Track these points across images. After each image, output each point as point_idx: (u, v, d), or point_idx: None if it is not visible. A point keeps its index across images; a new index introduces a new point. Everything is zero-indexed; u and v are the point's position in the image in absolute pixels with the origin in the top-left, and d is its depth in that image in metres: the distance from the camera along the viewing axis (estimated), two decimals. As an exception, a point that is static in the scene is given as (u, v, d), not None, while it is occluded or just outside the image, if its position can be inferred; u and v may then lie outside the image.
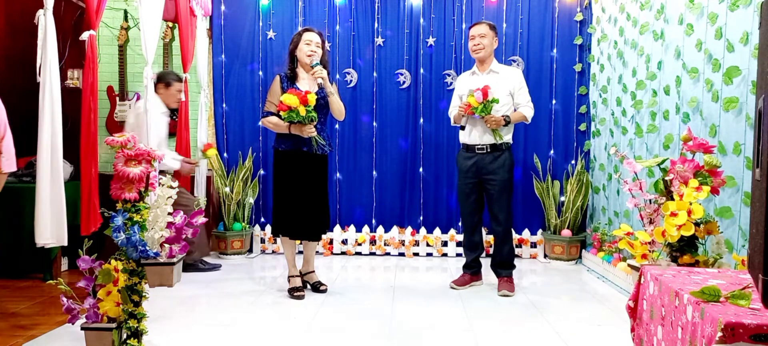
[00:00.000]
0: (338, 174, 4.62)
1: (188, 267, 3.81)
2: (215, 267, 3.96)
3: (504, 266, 3.41)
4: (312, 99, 3.01)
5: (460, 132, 3.44)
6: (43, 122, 2.43)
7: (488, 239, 4.26)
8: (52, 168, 2.46)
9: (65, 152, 3.92)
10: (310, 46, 3.17)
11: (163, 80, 3.71)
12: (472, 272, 3.51)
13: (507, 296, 3.27)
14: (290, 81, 3.22)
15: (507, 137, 3.34)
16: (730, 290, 1.30)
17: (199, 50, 4.16)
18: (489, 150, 3.32)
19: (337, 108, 3.24)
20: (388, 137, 4.60)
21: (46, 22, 2.43)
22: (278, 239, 4.49)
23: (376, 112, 4.59)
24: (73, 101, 4.19)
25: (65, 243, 2.51)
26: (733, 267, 2.16)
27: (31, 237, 3.52)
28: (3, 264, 3.61)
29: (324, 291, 3.32)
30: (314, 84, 3.19)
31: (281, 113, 3.04)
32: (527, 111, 3.36)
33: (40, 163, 2.44)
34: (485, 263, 3.60)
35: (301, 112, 2.98)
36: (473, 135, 3.35)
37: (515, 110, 3.35)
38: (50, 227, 2.46)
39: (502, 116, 3.24)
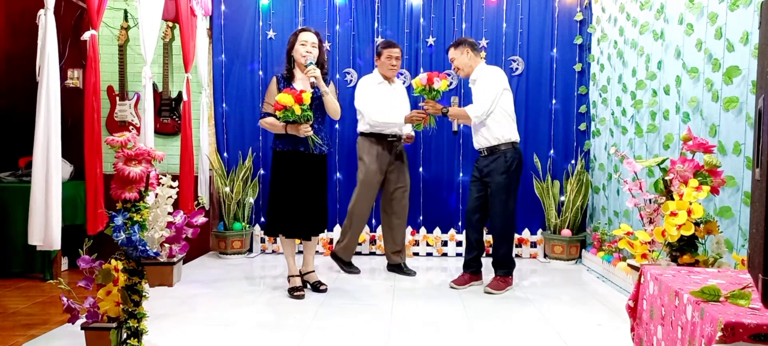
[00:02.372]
0: (338, 174, 4.63)
1: (393, 268, 3.92)
2: (411, 272, 3.87)
3: (496, 265, 3.44)
4: (307, 98, 3.00)
5: None
6: (40, 122, 2.41)
7: (488, 239, 4.26)
8: (46, 169, 2.44)
9: (65, 152, 3.93)
10: (305, 47, 3.17)
11: (376, 52, 3.90)
12: (471, 272, 3.51)
13: (489, 293, 3.30)
14: (287, 82, 3.22)
15: (498, 135, 3.32)
16: (729, 290, 1.30)
17: (199, 50, 4.16)
18: (486, 153, 3.38)
19: (332, 107, 3.24)
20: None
21: (46, 22, 2.43)
22: (278, 239, 4.49)
23: (376, 112, 4.59)
24: (73, 101, 4.20)
25: (58, 247, 2.49)
26: (733, 267, 2.16)
27: (32, 237, 3.55)
28: (3, 264, 3.61)
29: (324, 291, 3.32)
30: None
31: (277, 113, 3.04)
32: (470, 109, 3.32)
33: (35, 165, 2.42)
34: (486, 262, 3.60)
35: (296, 111, 2.98)
36: (475, 139, 3.44)
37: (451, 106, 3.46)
38: (43, 228, 2.43)
39: (442, 107, 3.39)
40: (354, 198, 3.85)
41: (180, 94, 4.29)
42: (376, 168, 3.74)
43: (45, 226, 2.43)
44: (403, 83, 4.55)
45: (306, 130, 3.09)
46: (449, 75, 4.55)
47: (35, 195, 2.41)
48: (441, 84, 3.34)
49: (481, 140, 3.39)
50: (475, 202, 3.46)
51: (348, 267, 3.89)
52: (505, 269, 3.41)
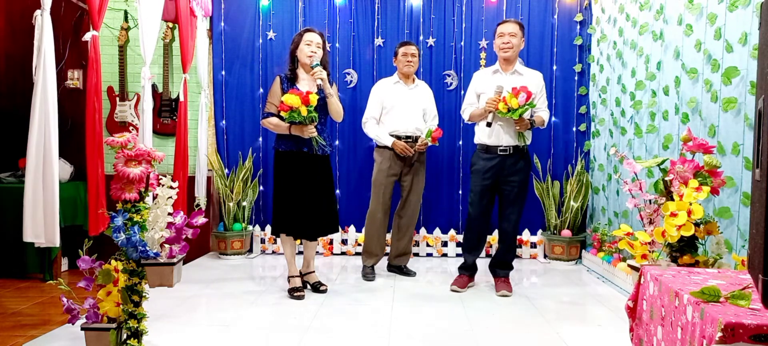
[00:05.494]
0: (339, 174, 4.62)
1: (393, 269, 3.90)
2: (411, 273, 3.88)
3: (505, 266, 3.41)
4: (314, 99, 3.01)
5: (477, 132, 3.37)
6: (34, 122, 2.40)
7: (488, 239, 4.27)
8: (44, 168, 2.43)
9: (66, 153, 3.95)
10: (310, 47, 3.17)
11: (393, 53, 3.88)
12: (470, 274, 3.51)
13: (506, 296, 3.27)
14: (290, 82, 3.22)
15: (528, 140, 3.33)
16: (729, 291, 1.30)
17: (199, 51, 4.16)
18: (512, 152, 3.26)
19: (336, 109, 3.24)
20: (388, 138, 4.60)
21: (43, 22, 2.43)
22: (278, 239, 4.49)
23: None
24: (73, 102, 4.21)
25: (57, 244, 2.49)
26: (732, 267, 2.16)
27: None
28: (3, 264, 3.61)
29: (324, 291, 3.32)
30: (314, 85, 3.19)
31: (282, 114, 3.04)
32: (545, 115, 3.35)
33: (28, 163, 2.41)
34: (481, 263, 3.60)
35: (302, 113, 2.99)
36: (498, 136, 3.26)
37: (532, 115, 3.29)
38: (41, 226, 2.43)
39: (529, 120, 3.20)
40: (370, 200, 3.84)
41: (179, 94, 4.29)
42: (387, 169, 3.71)
43: (44, 223, 2.44)
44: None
45: (310, 132, 3.10)
46: (449, 75, 4.56)
47: (28, 193, 2.41)
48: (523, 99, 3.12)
49: (509, 139, 3.24)
50: (487, 206, 3.36)
51: (363, 271, 3.77)
52: (510, 268, 3.43)
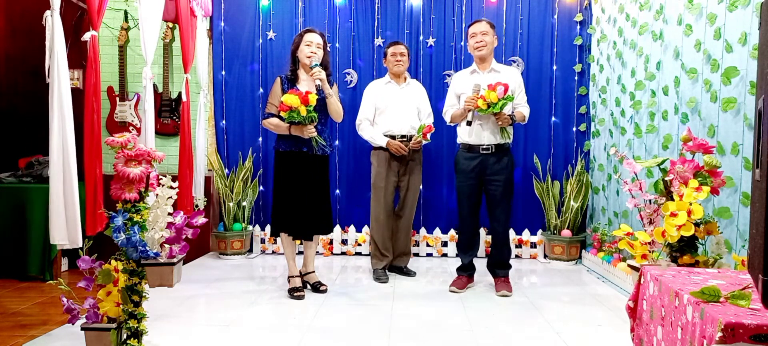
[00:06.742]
0: (338, 174, 4.63)
1: (393, 269, 3.91)
2: (410, 273, 3.88)
3: (502, 266, 3.41)
4: (313, 99, 3.02)
5: (459, 132, 3.41)
6: (53, 124, 2.44)
7: (487, 239, 4.27)
8: (64, 169, 2.47)
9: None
10: (310, 47, 3.18)
11: (383, 54, 3.91)
12: (468, 274, 3.51)
13: (506, 296, 3.27)
14: (291, 82, 3.23)
15: (511, 135, 3.35)
16: (730, 291, 1.30)
17: (199, 51, 4.16)
18: (493, 150, 3.29)
19: (335, 109, 3.25)
20: (388, 137, 4.60)
21: (53, 23, 2.44)
22: (278, 239, 4.49)
23: (376, 113, 4.59)
24: (73, 102, 4.20)
25: (80, 245, 2.51)
26: (732, 267, 2.16)
27: (31, 237, 3.55)
28: (3, 264, 3.61)
29: (324, 291, 3.32)
30: (314, 85, 3.19)
31: (282, 114, 3.05)
32: (526, 111, 3.38)
33: (51, 165, 2.46)
34: (478, 263, 3.60)
35: (301, 112, 2.99)
36: (478, 135, 3.29)
37: (513, 110, 3.34)
38: (65, 228, 2.47)
39: (509, 115, 3.22)
40: (371, 203, 3.85)
41: (180, 94, 4.29)
42: (385, 171, 3.72)
43: (67, 225, 2.47)
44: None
45: (310, 132, 3.11)
46: (449, 75, 4.57)
47: (53, 196, 2.44)
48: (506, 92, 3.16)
49: (491, 138, 3.27)
50: (474, 206, 3.39)
51: (375, 274, 3.74)
52: (508, 267, 3.43)
